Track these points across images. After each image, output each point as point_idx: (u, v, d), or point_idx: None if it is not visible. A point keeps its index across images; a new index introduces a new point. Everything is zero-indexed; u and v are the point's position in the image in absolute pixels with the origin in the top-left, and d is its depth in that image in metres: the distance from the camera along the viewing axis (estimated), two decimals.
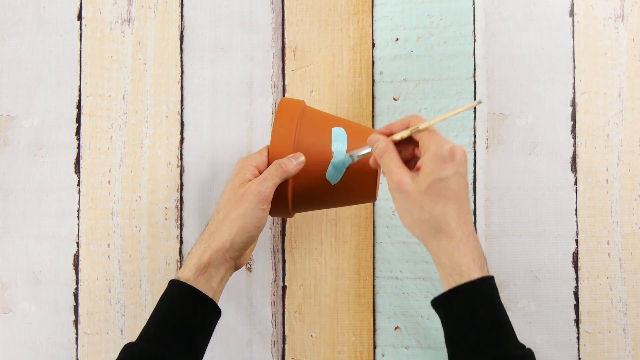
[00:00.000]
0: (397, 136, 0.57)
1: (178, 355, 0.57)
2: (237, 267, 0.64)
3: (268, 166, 0.61)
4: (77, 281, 0.77)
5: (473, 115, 0.76)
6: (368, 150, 0.59)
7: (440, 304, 0.55)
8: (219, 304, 0.61)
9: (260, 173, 0.62)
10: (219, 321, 0.60)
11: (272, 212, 0.63)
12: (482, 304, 0.53)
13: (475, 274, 0.53)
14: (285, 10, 0.78)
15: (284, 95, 0.77)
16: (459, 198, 0.54)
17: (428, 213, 0.54)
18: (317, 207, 0.69)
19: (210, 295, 0.60)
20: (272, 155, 0.62)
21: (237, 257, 0.62)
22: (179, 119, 0.78)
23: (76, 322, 0.77)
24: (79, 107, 0.79)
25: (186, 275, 0.59)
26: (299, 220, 0.76)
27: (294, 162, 0.61)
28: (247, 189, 0.60)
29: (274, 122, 0.63)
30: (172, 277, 0.61)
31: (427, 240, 0.56)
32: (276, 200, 0.61)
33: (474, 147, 0.75)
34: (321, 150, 0.62)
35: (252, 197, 0.59)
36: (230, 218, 0.60)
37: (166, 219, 0.77)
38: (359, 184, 0.63)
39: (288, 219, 0.76)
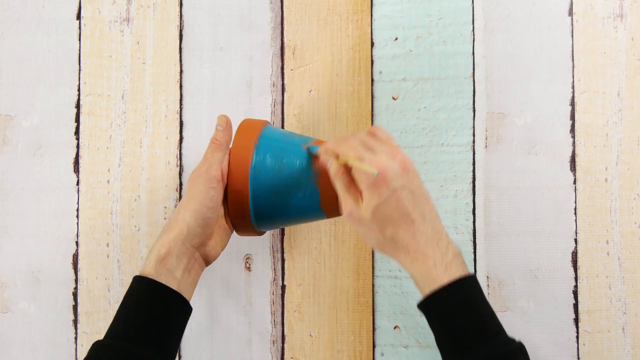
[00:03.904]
0: (341, 161, 0.57)
1: (147, 350, 0.56)
2: (206, 261, 0.63)
3: (229, 168, 0.62)
4: (76, 281, 0.77)
5: (472, 114, 0.76)
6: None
7: (422, 310, 0.57)
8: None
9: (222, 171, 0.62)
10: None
11: (239, 230, 0.65)
12: (458, 305, 0.54)
13: (443, 278, 0.54)
14: (285, 10, 0.78)
15: (283, 94, 0.77)
16: (404, 213, 0.55)
17: (382, 236, 0.56)
18: (282, 222, 0.67)
19: (174, 286, 0.59)
20: (232, 159, 0.62)
21: (198, 245, 0.61)
22: (178, 119, 0.78)
23: (75, 321, 0.77)
24: (78, 106, 0.79)
25: (148, 270, 0.59)
26: None
27: (221, 131, 0.63)
28: (193, 173, 0.62)
29: (236, 132, 0.64)
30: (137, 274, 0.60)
31: (392, 256, 0.58)
32: (239, 216, 0.63)
33: (473, 146, 0.76)
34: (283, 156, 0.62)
35: (200, 179, 0.60)
36: (183, 204, 0.61)
37: (165, 219, 0.77)
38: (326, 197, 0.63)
39: None
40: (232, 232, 0.65)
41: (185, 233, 0.60)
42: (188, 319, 0.61)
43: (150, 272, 0.59)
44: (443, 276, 0.54)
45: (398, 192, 0.55)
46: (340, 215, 0.61)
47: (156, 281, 0.58)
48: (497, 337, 0.54)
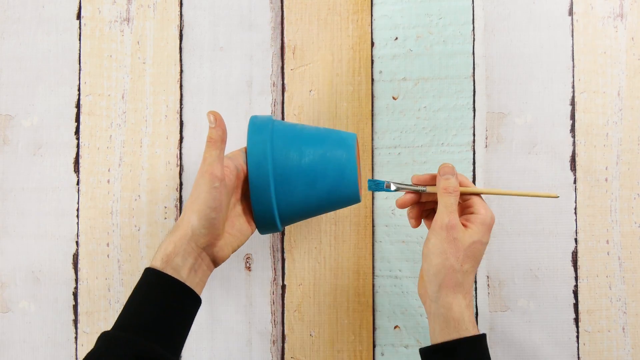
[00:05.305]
0: (467, 190, 0.62)
1: (154, 343, 0.56)
2: (215, 262, 0.62)
3: (248, 168, 0.62)
4: (76, 280, 0.77)
5: (472, 114, 0.76)
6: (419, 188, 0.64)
7: (440, 349, 0.59)
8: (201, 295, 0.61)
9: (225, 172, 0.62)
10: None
11: (262, 229, 0.64)
12: (479, 358, 0.59)
13: (474, 331, 0.59)
14: (285, 9, 0.78)
15: (283, 94, 0.77)
16: (479, 262, 0.61)
17: (460, 265, 0.59)
18: (304, 217, 0.67)
19: None
20: (249, 158, 0.62)
21: (204, 245, 0.60)
22: (178, 118, 0.78)
23: (75, 321, 0.77)
24: (78, 106, 0.79)
25: (155, 266, 0.59)
26: None
27: (213, 128, 0.61)
28: (197, 174, 0.61)
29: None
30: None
31: (443, 288, 0.60)
32: (264, 216, 0.62)
33: (473, 146, 0.76)
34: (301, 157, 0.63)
35: (202, 179, 0.59)
36: (188, 205, 0.60)
37: (165, 218, 0.77)
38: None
39: None
40: (251, 233, 0.64)
41: (189, 234, 0.59)
42: (197, 310, 0.61)
43: (156, 268, 0.58)
44: (474, 331, 0.59)
45: (487, 243, 0.61)
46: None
47: (169, 276, 0.58)
48: None
